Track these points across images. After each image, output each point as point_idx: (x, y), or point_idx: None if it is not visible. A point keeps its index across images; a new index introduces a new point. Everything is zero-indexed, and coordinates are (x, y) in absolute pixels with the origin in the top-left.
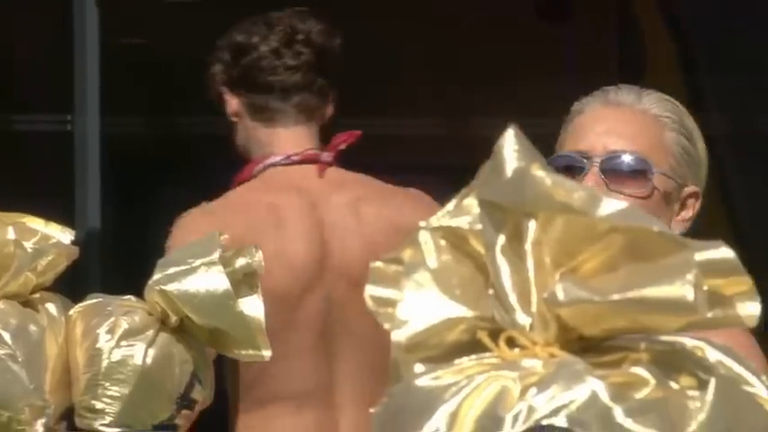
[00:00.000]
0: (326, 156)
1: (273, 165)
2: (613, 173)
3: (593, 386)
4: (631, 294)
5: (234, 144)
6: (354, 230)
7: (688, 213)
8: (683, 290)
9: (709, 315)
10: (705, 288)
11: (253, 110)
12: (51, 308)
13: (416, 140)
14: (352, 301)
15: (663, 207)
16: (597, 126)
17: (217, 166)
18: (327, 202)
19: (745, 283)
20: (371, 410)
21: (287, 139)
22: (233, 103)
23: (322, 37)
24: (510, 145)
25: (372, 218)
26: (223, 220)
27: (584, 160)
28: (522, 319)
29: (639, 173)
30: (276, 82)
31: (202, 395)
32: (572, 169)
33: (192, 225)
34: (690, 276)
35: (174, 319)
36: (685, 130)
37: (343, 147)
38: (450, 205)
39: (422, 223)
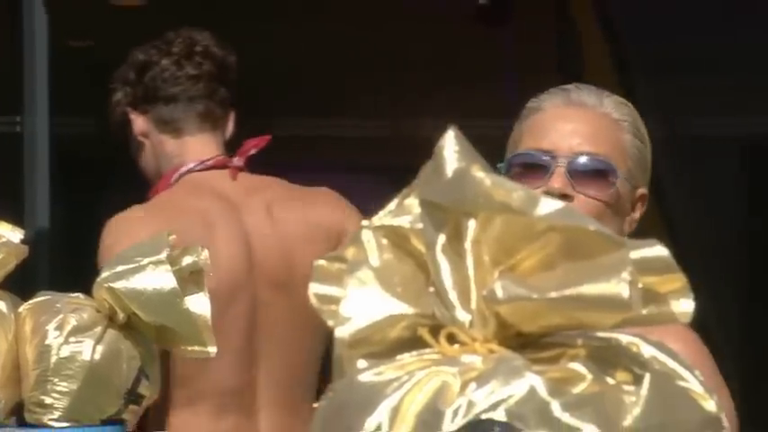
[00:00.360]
0: (237, 160)
1: (189, 171)
2: (579, 174)
3: (531, 381)
4: (568, 292)
5: (141, 167)
6: (271, 234)
7: (637, 214)
8: (618, 287)
9: (644, 312)
10: (640, 286)
11: (160, 123)
12: (1, 305)
13: (357, 141)
14: (274, 303)
15: (621, 210)
16: (561, 125)
17: None
18: (245, 205)
19: (678, 280)
20: (315, 405)
21: (195, 146)
22: (139, 121)
23: (220, 50)
24: (450, 146)
25: (285, 220)
26: (155, 223)
27: (549, 159)
28: (462, 315)
29: (603, 176)
30: (180, 92)
31: (149, 390)
32: (535, 167)
33: (124, 226)
34: (625, 274)
35: (121, 316)
36: (639, 133)
37: (253, 152)
38: (392, 205)
39: (364, 222)
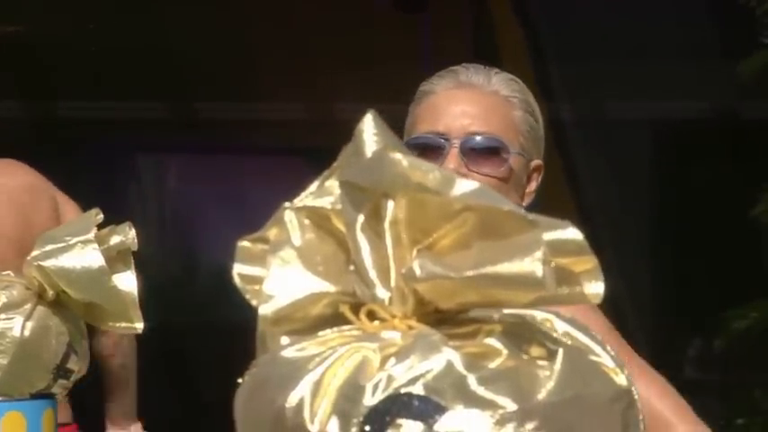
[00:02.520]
0: None
1: None
2: (472, 153)
3: (448, 356)
4: (484, 270)
5: None
6: None
7: (533, 186)
8: (532, 266)
9: (557, 291)
10: (553, 266)
11: None
12: None
13: (280, 125)
14: None
15: (517, 184)
16: (452, 107)
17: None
18: None
19: (590, 261)
20: (238, 381)
21: None
22: None
23: None
24: (369, 129)
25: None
26: None
27: (443, 141)
28: (382, 293)
29: (496, 153)
30: None
31: (78, 365)
32: (431, 150)
33: None
34: (538, 254)
35: (50, 293)
36: (530, 108)
37: None
38: (313, 186)
39: (287, 204)
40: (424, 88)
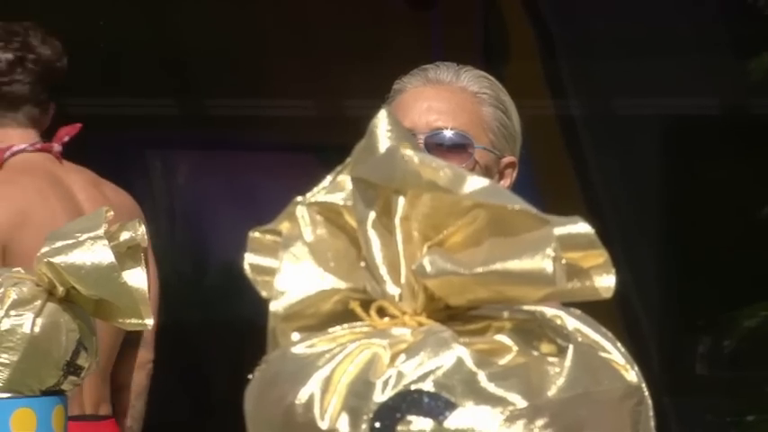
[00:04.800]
0: (57, 147)
1: (21, 151)
2: (437, 148)
3: (458, 353)
4: (494, 267)
5: None
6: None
7: (506, 182)
8: (542, 263)
9: (568, 287)
10: (563, 261)
11: None
12: None
13: (290, 121)
14: None
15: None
16: (419, 104)
17: (96, 146)
18: (76, 183)
19: (601, 256)
20: (249, 377)
21: (18, 135)
22: None
23: (53, 55)
24: (383, 125)
25: (110, 197)
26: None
27: None
28: (392, 289)
29: (461, 148)
30: (6, 92)
31: (88, 362)
32: None
33: None
34: (549, 250)
35: (60, 289)
36: (501, 105)
37: (67, 139)
38: (326, 182)
39: (299, 198)
40: (396, 87)
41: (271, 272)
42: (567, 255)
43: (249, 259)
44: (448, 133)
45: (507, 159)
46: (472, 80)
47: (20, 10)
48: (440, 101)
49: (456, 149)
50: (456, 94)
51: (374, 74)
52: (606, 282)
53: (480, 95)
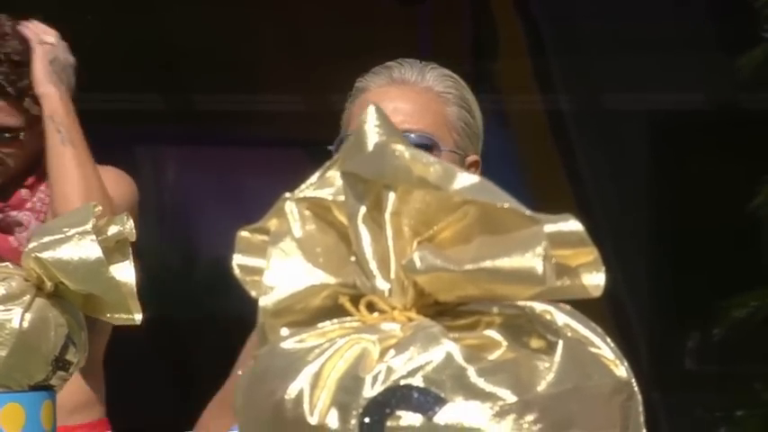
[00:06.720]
0: None
1: None
2: None
3: (448, 348)
4: (484, 265)
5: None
6: None
7: None
8: (532, 262)
9: (557, 285)
10: (554, 261)
11: None
12: None
13: (279, 116)
14: None
15: None
16: (384, 105)
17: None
18: None
19: (591, 253)
20: (239, 373)
21: None
22: None
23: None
24: (372, 121)
25: None
26: None
27: None
28: (382, 284)
29: (428, 150)
30: None
31: (77, 357)
32: None
33: None
34: (539, 249)
35: (49, 284)
36: (466, 104)
37: None
38: (314, 177)
39: (287, 194)
40: (358, 85)
41: (259, 272)
42: (557, 252)
43: (238, 260)
44: (415, 136)
45: (471, 158)
46: (437, 80)
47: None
48: (405, 102)
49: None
50: (421, 94)
51: (363, 70)
52: (595, 280)
53: (445, 95)
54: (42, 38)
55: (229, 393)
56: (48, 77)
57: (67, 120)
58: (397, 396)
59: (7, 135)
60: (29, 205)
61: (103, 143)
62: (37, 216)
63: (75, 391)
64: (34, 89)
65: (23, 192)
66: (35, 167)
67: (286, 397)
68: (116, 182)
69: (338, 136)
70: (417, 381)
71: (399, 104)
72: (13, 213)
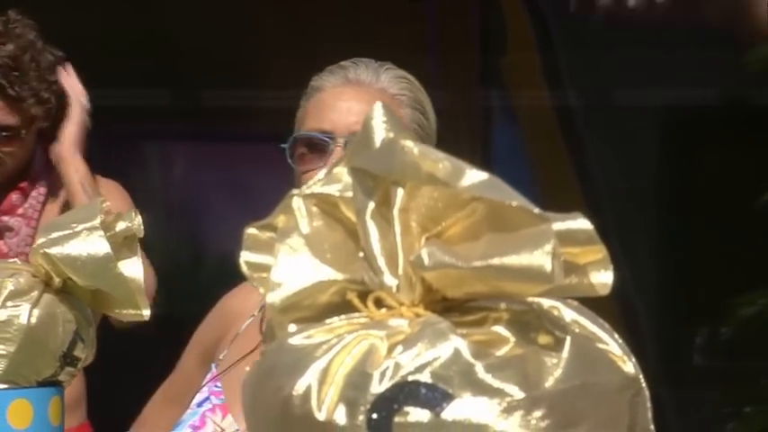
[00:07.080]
0: None
1: None
2: None
3: (455, 344)
4: (492, 262)
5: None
6: None
7: None
8: (541, 260)
9: (565, 282)
10: (562, 259)
11: None
12: None
13: (286, 112)
14: None
15: None
16: (339, 105)
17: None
18: None
19: (599, 252)
20: (246, 369)
21: None
22: None
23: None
24: (379, 117)
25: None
26: None
27: (328, 139)
28: (390, 280)
29: None
30: None
31: (85, 353)
32: (316, 147)
33: None
34: (548, 247)
35: (57, 280)
36: (420, 106)
37: None
38: (322, 173)
39: (295, 191)
40: (314, 84)
41: (267, 269)
42: (566, 250)
43: (245, 257)
44: None
45: None
46: (392, 81)
47: (13, 2)
48: (360, 102)
49: None
50: (375, 96)
51: None
52: (604, 278)
53: (399, 97)
54: (81, 99)
55: (174, 386)
56: (78, 145)
57: (93, 186)
58: (405, 392)
59: (5, 134)
60: (20, 211)
61: (110, 139)
62: (28, 222)
63: None
64: (62, 151)
65: (15, 197)
66: (28, 170)
67: (294, 393)
68: (122, 195)
69: (292, 134)
70: (425, 377)
71: (354, 105)
72: (5, 219)
